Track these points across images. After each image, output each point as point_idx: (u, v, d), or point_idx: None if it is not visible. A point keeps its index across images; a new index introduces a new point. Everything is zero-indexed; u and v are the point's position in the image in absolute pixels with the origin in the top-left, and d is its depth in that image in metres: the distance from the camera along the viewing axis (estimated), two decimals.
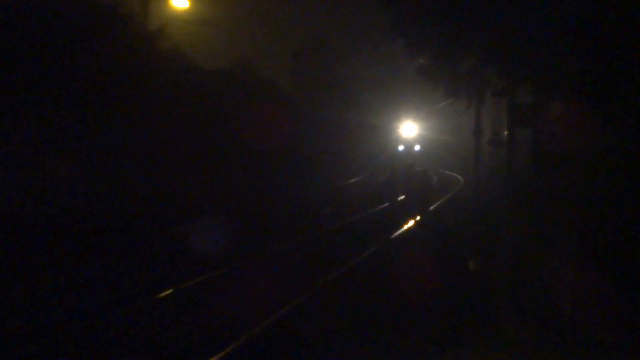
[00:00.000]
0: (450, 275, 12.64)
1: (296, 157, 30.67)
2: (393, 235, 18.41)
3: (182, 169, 20.25)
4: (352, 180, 40.49)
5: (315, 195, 29.46)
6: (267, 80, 32.23)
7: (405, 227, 20.13)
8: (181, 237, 15.26)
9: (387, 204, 24.35)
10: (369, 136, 53.42)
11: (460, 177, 44.55)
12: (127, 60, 18.48)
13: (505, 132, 17.54)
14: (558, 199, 14.06)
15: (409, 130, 62.74)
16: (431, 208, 23.50)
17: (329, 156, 38.97)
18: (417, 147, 70.06)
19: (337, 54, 50.70)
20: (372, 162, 50.40)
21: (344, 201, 27.55)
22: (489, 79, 19.09)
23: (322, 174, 35.42)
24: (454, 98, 20.88)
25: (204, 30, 26.71)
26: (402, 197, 23.01)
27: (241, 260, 13.65)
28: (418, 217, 21.00)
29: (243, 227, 17.89)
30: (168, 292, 10.61)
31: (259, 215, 20.84)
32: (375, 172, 46.74)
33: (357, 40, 56.77)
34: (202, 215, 17.49)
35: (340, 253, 14.83)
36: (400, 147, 69.26)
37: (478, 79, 19.46)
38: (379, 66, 54.27)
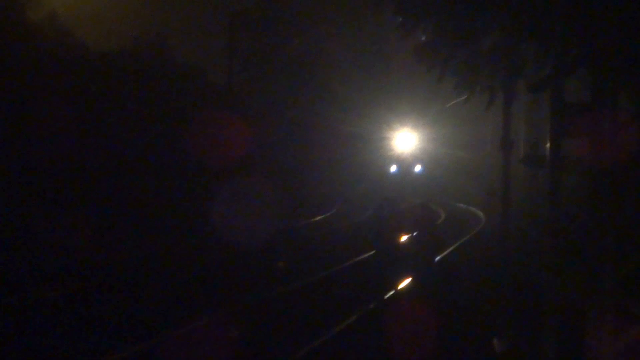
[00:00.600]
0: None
1: (226, 174, 30.77)
2: (377, 303, 17.71)
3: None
4: (318, 218, 40.06)
5: (262, 239, 28.83)
6: (187, 63, 32.43)
7: (398, 287, 19.74)
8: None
9: (371, 253, 24.05)
10: (346, 150, 53.18)
11: (480, 213, 44.39)
12: None
13: (548, 145, 16.90)
14: (632, 245, 13.27)
15: (406, 142, 62.78)
16: (437, 259, 23.14)
17: (285, 178, 38.77)
18: (417, 168, 69.55)
19: (296, 22, 50.04)
20: (350, 189, 50.15)
21: (305, 249, 27.31)
22: (523, 62, 18.40)
23: (274, 205, 34.94)
24: (469, 93, 20.15)
25: None
26: (393, 242, 22.68)
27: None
28: (416, 275, 20.61)
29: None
30: None
31: (174, 269, 21.18)
32: (355, 204, 46.57)
33: (324, 5, 56.10)
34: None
35: (293, 331, 14.25)
36: (393, 168, 68.71)
37: (506, 63, 18.73)
38: (358, 45, 54.16)
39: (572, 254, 16.72)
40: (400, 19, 18.44)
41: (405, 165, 67.70)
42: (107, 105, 26.07)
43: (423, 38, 20.09)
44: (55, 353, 12.42)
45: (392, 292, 19.10)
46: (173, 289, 18.71)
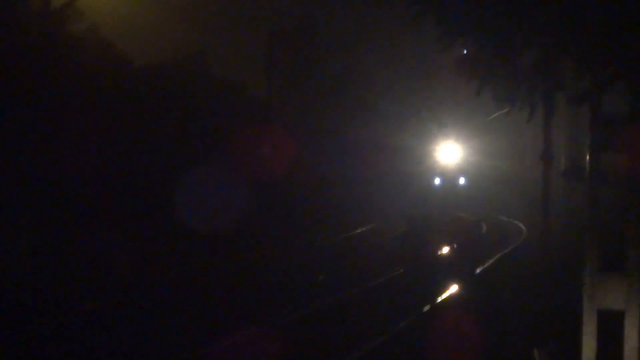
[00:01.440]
0: None
1: (274, 193, 30.81)
2: (418, 314, 17.80)
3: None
4: (359, 230, 39.97)
5: (302, 251, 28.95)
6: (227, 78, 32.57)
7: (440, 299, 19.70)
8: None
9: (413, 267, 23.91)
10: (389, 163, 52.96)
11: (521, 225, 43.98)
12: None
13: (588, 158, 16.98)
14: None
15: (450, 154, 62.38)
16: (478, 271, 23.08)
17: (326, 191, 38.78)
18: (461, 180, 69.19)
19: (331, 41, 49.93)
20: (392, 203, 49.87)
21: (345, 261, 27.19)
22: (562, 77, 18.50)
23: (316, 218, 35.03)
24: (509, 106, 20.16)
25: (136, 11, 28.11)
26: (438, 255, 22.66)
27: None
28: (459, 285, 20.61)
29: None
30: None
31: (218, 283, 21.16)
32: (398, 216, 46.21)
33: (361, 25, 55.93)
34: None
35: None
36: (437, 180, 68.37)
37: (547, 77, 18.80)
38: (397, 62, 54.04)
39: (610, 266, 16.78)
40: (440, 33, 18.45)
41: (448, 177, 67.17)
42: (147, 118, 26.27)
43: (464, 51, 20.19)
44: None
45: (427, 307, 18.98)
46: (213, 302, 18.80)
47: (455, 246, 23.44)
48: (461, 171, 67.29)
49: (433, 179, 66.45)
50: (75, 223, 22.52)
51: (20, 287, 18.41)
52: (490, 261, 26.40)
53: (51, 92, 22.02)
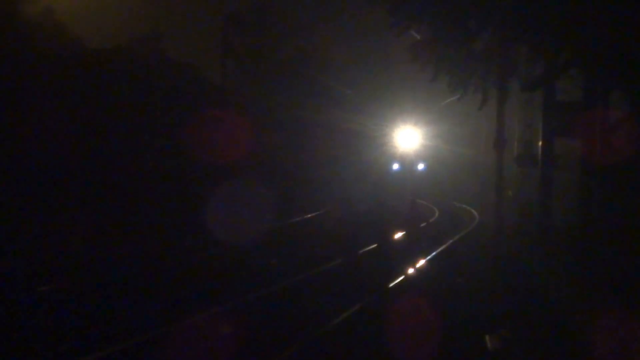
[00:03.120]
0: (458, 356, 12.37)
1: (223, 174, 30.77)
2: (372, 298, 17.79)
3: None
4: (310, 215, 39.99)
5: (255, 237, 28.96)
6: (182, 62, 32.38)
7: (397, 280, 19.67)
8: None
9: (373, 247, 23.97)
10: (346, 148, 52.88)
11: (474, 212, 44.19)
12: None
13: (540, 144, 17.24)
14: (623, 243, 13.80)
15: (409, 139, 62.36)
16: (430, 256, 23.23)
17: (281, 178, 38.80)
18: (420, 166, 69.37)
19: (287, 24, 49.76)
20: (350, 188, 49.81)
21: (296, 246, 27.12)
22: (515, 63, 18.72)
23: (268, 204, 35.03)
24: (463, 92, 20.32)
25: None
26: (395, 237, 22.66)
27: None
28: (414, 267, 20.70)
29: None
30: None
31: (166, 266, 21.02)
32: (355, 201, 46.26)
33: (317, 7, 55.66)
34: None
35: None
36: (395, 166, 68.46)
37: (500, 63, 18.99)
38: (355, 45, 53.93)
39: (565, 250, 17.08)
40: (394, 19, 18.51)
41: (407, 163, 67.08)
42: (101, 102, 26.07)
43: (418, 37, 20.30)
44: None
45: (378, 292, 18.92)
46: (170, 287, 18.72)
47: (406, 232, 23.50)
48: (420, 157, 67.06)
49: (391, 164, 66.16)
50: (32, 208, 22.33)
51: None
52: (442, 247, 26.51)
53: (6, 75, 21.76)
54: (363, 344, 13.01)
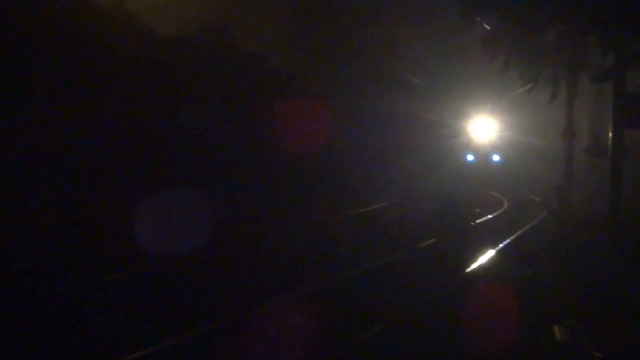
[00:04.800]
0: (525, 347, 12.37)
1: (295, 165, 31.03)
2: (433, 291, 18.05)
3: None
4: (380, 205, 40.10)
5: (322, 224, 29.40)
6: (252, 50, 32.57)
7: (472, 266, 19.91)
8: None
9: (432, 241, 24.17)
10: (422, 138, 52.79)
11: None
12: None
13: (610, 136, 17.27)
14: None
15: (484, 129, 61.71)
16: (499, 247, 23.31)
17: (352, 164, 39.00)
18: (495, 157, 68.47)
19: (357, 13, 49.27)
20: (422, 179, 49.71)
21: (366, 236, 27.27)
22: (585, 54, 18.81)
23: (334, 191, 35.40)
24: (533, 84, 20.51)
25: None
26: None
27: None
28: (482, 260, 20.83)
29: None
30: None
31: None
32: (428, 191, 46.14)
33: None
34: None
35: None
36: (470, 157, 67.71)
37: (569, 55, 19.15)
38: (426, 34, 53.57)
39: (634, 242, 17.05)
40: (463, 10, 18.75)
41: (482, 154, 66.39)
42: (172, 91, 26.37)
43: (488, 27, 20.53)
44: None
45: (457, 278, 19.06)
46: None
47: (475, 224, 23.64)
48: (495, 147, 66.17)
49: (465, 155, 65.38)
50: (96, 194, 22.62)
51: None
52: (513, 236, 26.51)
53: (77, 64, 22.17)
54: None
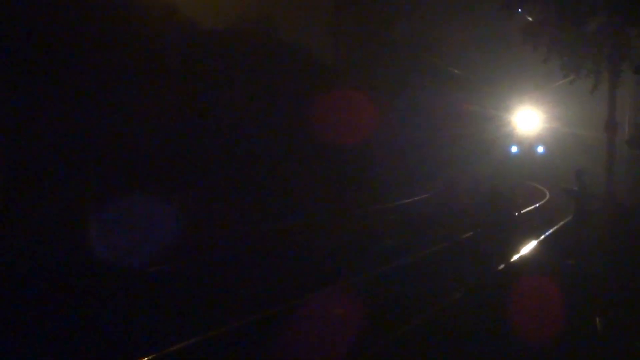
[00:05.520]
0: (568, 337, 12.38)
1: (337, 157, 31.12)
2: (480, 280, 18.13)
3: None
4: (423, 196, 40.13)
5: (368, 216, 29.57)
6: (294, 42, 32.50)
7: (515, 257, 19.99)
8: None
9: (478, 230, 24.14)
10: (466, 129, 52.57)
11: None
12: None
13: None
14: None
15: (528, 121, 61.25)
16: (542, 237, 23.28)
17: (398, 155, 39.01)
18: (539, 148, 68.02)
19: (398, 4, 48.96)
20: (463, 170, 49.51)
21: (409, 228, 27.38)
22: (628, 45, 18.71)
23: (379, 184, 35.49)
24: (574, 75, 20.44)
25: None
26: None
27: None
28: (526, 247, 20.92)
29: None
30: None
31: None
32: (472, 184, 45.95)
33: None
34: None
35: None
36: (514, 149, 67.43)
37: (612, 46, 19.06)
38: (469, 25, 53.08)
39: None
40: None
41: (526, 145, 65.92)
42: (214, 83, 26.46)
43: (530, 18, 20.52)
44: None
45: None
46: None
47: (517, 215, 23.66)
48: (539, 139, 65.76)
49: (509, 147, 65.09)
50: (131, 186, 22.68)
51: None
52: (555, 227, 26.44)
53: (117, 57, 22.26)
54: None
